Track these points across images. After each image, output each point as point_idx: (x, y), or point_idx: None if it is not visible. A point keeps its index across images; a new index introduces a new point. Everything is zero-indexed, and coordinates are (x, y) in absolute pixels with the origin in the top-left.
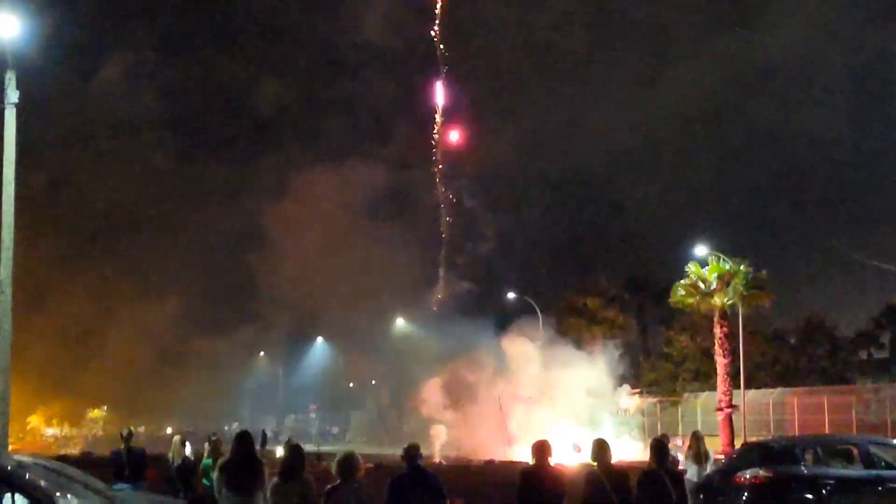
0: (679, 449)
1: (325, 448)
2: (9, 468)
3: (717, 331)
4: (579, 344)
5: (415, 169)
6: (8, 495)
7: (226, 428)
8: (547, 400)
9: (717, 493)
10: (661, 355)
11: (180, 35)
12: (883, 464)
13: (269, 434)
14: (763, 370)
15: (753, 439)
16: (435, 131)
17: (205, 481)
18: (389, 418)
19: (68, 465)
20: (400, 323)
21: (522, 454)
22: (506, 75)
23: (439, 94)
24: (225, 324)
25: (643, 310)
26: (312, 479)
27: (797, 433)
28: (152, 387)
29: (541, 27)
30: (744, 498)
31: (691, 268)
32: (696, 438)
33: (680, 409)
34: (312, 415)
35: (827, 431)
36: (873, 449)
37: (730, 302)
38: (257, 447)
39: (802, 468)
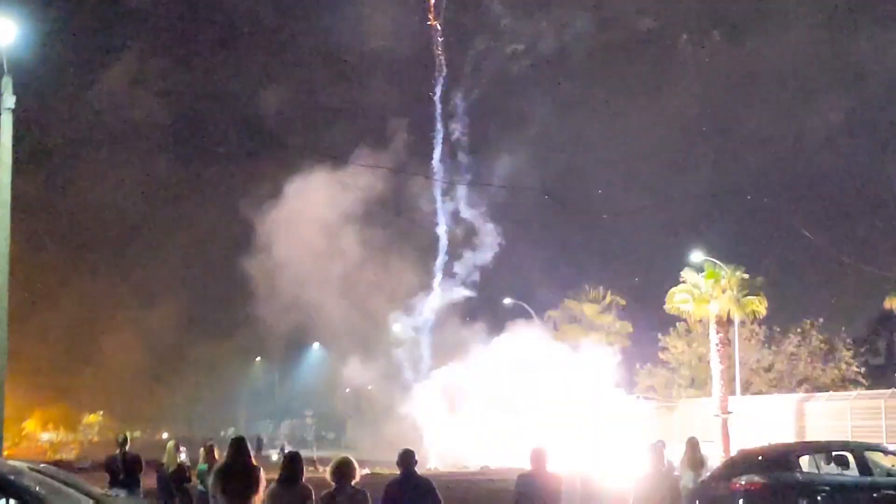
0: (675, 455)
1: (320, 453)
2: (3, 473)
3: (713, 337)
4: (575, 350)
5: (413, 175)
6: (2, 501)
7: (222, 433)
8: (541, 403)
9: (713, 500)
10: (656, 361)
11: (181, 41)
12: (878, 470)
13: (264, 439)
14: (759, 376)
15: (749, 446)
16: (433, 133)
17: (200, 487)
18: (385, 424)
19: (64, 470)
20: (397, 328)
21: (517, 460)
22: (507, 82)
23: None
24: (221, 329)
25: (639, 316)
26: (310, 485)
27: (793, 439)
28: (148, 392)
29: (542, 35)
30: None
31: (687, 274)
32: (692, 445)
33: (676, 416)
34: (308, 420)
35: (823, 438)
36: (869, 455)
37: (725, 308)
38: (253, 452)
39: (798, 474)
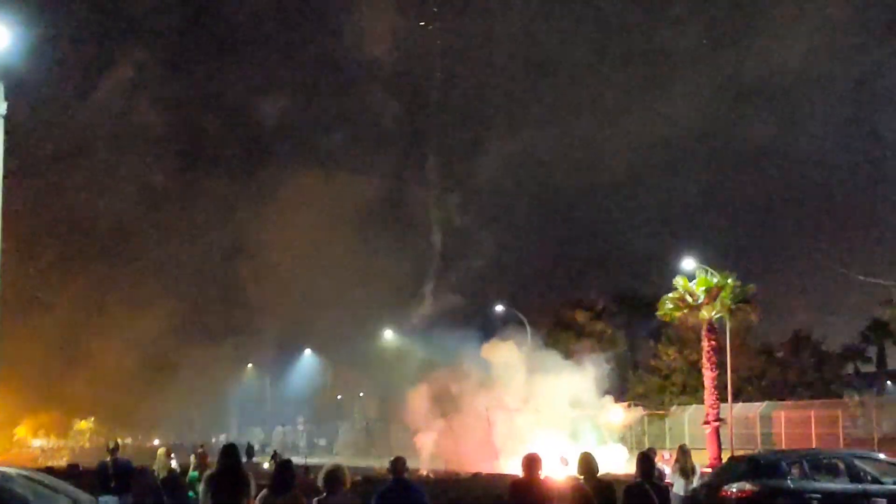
0: (666, 462)
1: (312, 460)
2: None
3: (705, 344)
4: (567, 357)
5: (406, 182)
6: None
7: (213, 440)
8: (532, 410)
9: None
10: (648, 368)
11: (181, 49)
12: (869, 478)
13: (256, 446)
14: (750, 384)
15: (740, 453)
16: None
17: (190, 494)
18: (377, 430)
19: (54, 476)
20: (388, 335)
21: (509, 466)
22: (503, 91)
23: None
24: (213, 335)
25: (631, 323)
26: (302, 493)
27: (784, 447)
28: (140, 398)
29: (540, 44)
30: None
31: (679, 281)
32: (683, 452)
33: (667, 423)
34: (300, 427)
35: (814, 445)
36: (859, 463)
37: (717, 315)
38: (244, 460)
39: (789, 482)
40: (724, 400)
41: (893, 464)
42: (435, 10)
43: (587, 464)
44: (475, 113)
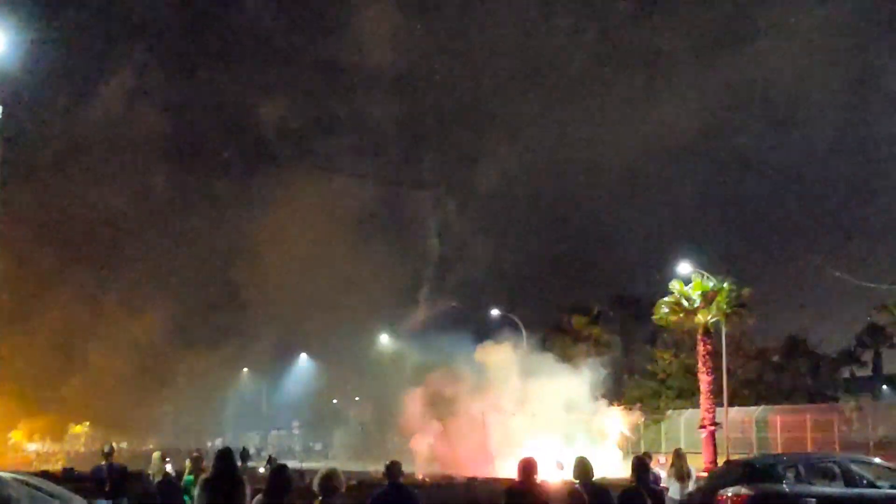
0: (662, 466)
1: (308, 465)
2: None
3: (701, 348)
4: (563, 361)
5: (403, 187)
6: None
7: (209, 444)
8: (527, 413)
9: None
10: (644, 373)
11: (182, 54)
12: (864, 482)
13: (251, 451)
14: (746, 388)
15: (736, 457)
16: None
17: (186, 498)
18: (372, 435)
19: (49, 480)
20: (384, 339)
21: (505, 470)
22: (501, 95)
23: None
24: (209, 339)
25: (627, 327)
26: (298, 498)
27: (779, 451)
28: (135, 402)
29: (539, 50)
30: None
31: (675, 285)
32: (679, 456)
33: (663, 427)
34: (296, 431)
35: (809, 449)
36: (855, 467)
37: (713, 320)
38: (239, 464)
39: (784, 486)
40: (720, 404)
41: (889, 468)
42: (434, 15)
43: (583, 468)
44: (473, 117)
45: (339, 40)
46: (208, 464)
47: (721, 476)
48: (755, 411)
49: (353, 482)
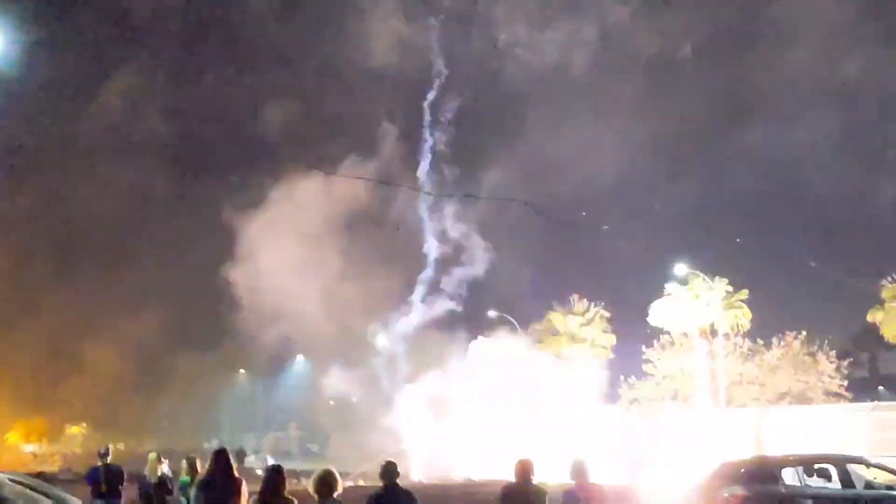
0: (657, 467)
1: (304, 466)
2: None
3: (697, 349)
4: (559, 361)
5: (401, 188)
6: None
7: (205, 445)
8: (524, 414)
9: None
10: (640, 374)
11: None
12: (861, 483)
13: (247, 452)
14: (742, 389)
15: (732, 458)
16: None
17: (182, 499)
18: (369, 436)
19: (46, 481)
20: (381, 341)
21: (502, 471)
22: (502, 97)
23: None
24: (205, 341)
25: (624, 328)
26: (294, 499)
27: (776, 452)
28: (132, 404)
29: (531, 50)
30: None
31: (671, 287)
32: (675, 457)
33: (660, 428)
34: (292, 432)
35: (805, 450)
36: (851, 468)
37: (709, 321)
38: (235, 465)
39: (781, 487)
40: (717, 405)
41: (886, 468)
42: (436, 16)
43: (580, 469)
44: (473, 119)
45: (338, 41)
46: (204, 465)
47: (718, 477)
48: (752, 412)
49: (350, 483)
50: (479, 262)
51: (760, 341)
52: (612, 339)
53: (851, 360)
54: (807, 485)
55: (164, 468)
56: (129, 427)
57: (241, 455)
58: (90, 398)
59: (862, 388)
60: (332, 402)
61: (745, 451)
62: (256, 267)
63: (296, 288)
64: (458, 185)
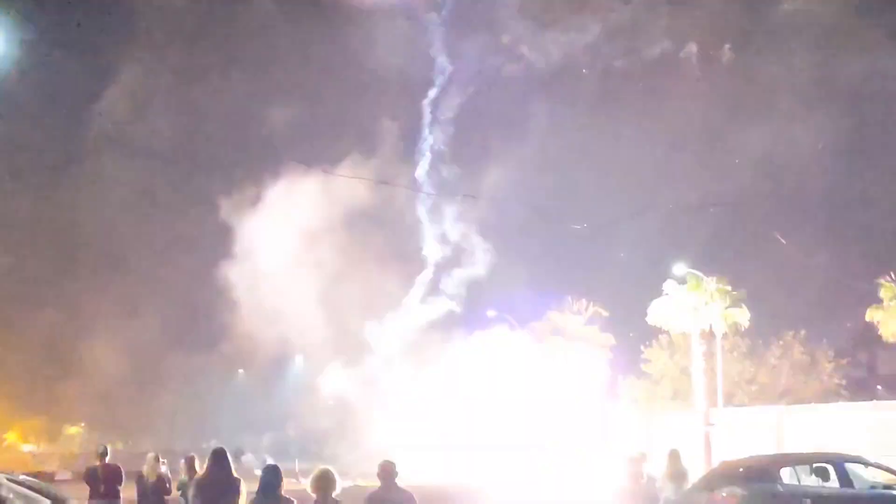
0: (656, 467)
1: (302, 465)
2: None
3: (696, 349)
4: (558, 361)
5: (402, 188)
6: None
7: (204, 445)
8: (522, 414)
9: None
10: (639, 374)
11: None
12: (859, 482)
13: (246, 451)
14: (741, 388)
15: (731, 458)
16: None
17: (181, 499)
18: (367, 436)
19: (44, 481)
20: (380, 341)
21: (499, 472)
22: (503, 98)
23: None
24: (204, 340)
25: (622, 328)
26: (293, 498)
27: (774, 451)
28: (130, 404)
29: (532, 50)
30: None
31: (670, 286)
32: (674, 457)
33: (658, 427)
34: (291, 432)
35: (804, 450)
36: (849, 467)
37: (708, 320)
38: (233, 464)
39: (779, 486)
40: (715, 405)
41: (884, 468)
42: (438, 16)
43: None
44: (473, 119)
45: (341, 41)
46: (203, 464)
47: (716, 476)
48: (750, 412)
49: (348, 483)
50: (478, 262)
51: (759, 341)
52: (610, 339)
53: (850, 359)
54: (805, 484)
55: (163, 468)
56: (128, 427)
57: (238, 455)
58: (88, 398)
59: (860, 387)
60: (330, 403)
61: (742, 451)
62: (255, 267)
63: (294, 288)
64: (459, 185)
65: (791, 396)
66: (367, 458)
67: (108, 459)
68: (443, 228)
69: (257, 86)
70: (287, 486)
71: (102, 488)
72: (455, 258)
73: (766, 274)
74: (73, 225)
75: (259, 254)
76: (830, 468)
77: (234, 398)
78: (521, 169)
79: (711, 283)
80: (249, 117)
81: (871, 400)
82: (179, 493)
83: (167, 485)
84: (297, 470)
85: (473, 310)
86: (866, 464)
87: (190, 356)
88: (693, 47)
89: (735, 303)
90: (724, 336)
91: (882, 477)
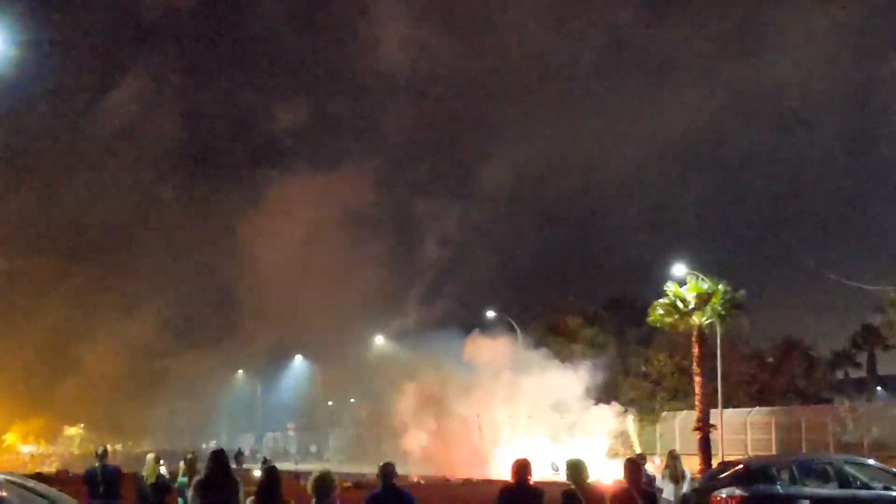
0: (656, 468)
1: (303, 467)
2: None
3: (695, 350)
4: (558, 361)
5: (400, 188)
6: None
7: (203, 446)
8: (521, 414)
9: None
10: (639, 374)
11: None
12: (858, 483)
13: (246, 452)
14: (740, 389)
15: (730, 458)
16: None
17: (180, 500)
18: (368, 436)
19: (44, 482)
20: (380, 341)
21: (500, 472)
22: (504, 100)
23: None
24: (204, 341)
25: (622, 329)
26: (292, 500)
27: (774, 452)
28: (130, 405)
29: (539, 49)
30: None
31: (670, 287)
32: (673, 458)
33: (658, 428)
34: (291, 433)
35: (803, 451)
36: (849, 468)
37: (708, 321)
38: (233, 465)
39: (778, 487)
40: (715, 405)
41: (883, 469)
42: (442, 19)
43: (577, 470)
44: (475, 119)
45: (346, 43)
46: (202, 466)
47: (715, 477)
48: (749, 413)
49: (348, 484)
50: (478, 262)
51: (759, 342)
52: (610, 339)
53: (849, 360)
54: (804, 485)
55: (162, 469)
56: (127, 428)
57: (238, 456)
58: (88, 399)
59: (859, 388)
60: (330, 403)
61: (743, 451)
62: (255, 269)
63: (295, 288)
64: (459, 185)
65: (790, 397)
66: (366, 458)
67: (107, 460)
68: (443, 228)
69: (259, 87)
70: (287, 486)
71: (102, 489)
72: (455, 258)
73: (766, 275)
74: (74, 225)
75: (260, 255)
76: (830, 469)
77: (233, 399)
78: (523, 168)
79: (712, 284)
80: (250, 118)
81: (871, 401)
82: (179, 494)
83: (167, 486)
84: (296, 471)
85: (473, 310)
86: (866, 464)
87: (190, 357)
88: (697, 48)
89: (735, 304)
90: (724, 337)
91: (881, 477)
